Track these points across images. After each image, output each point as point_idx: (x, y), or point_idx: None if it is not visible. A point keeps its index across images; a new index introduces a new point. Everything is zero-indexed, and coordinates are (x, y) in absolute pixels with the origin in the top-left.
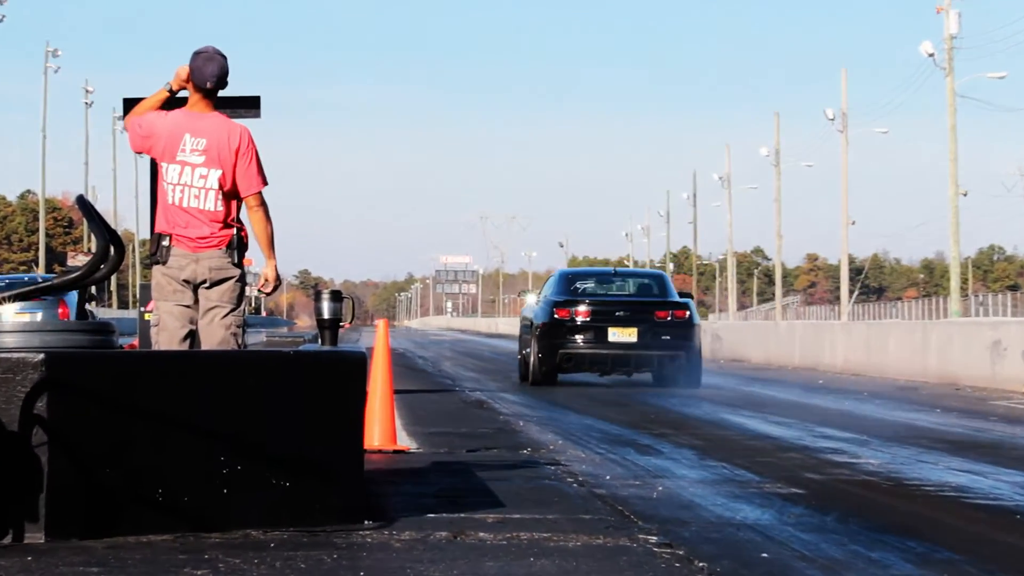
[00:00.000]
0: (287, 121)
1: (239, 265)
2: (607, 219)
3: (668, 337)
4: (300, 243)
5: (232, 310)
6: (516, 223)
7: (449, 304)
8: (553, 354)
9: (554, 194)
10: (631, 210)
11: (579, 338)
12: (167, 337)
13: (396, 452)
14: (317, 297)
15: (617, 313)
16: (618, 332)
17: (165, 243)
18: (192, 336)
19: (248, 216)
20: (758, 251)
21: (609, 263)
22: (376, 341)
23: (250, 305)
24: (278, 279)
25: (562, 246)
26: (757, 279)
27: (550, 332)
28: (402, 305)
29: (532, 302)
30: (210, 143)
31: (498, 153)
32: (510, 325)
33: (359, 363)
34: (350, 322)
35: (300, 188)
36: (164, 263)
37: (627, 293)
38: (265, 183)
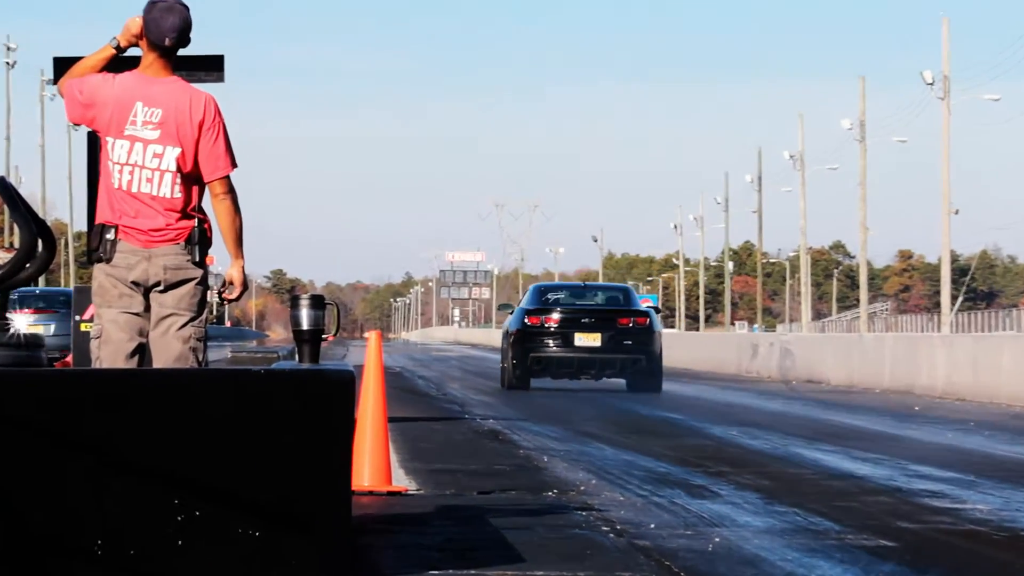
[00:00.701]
0: (254, 87)
1: (201, 264)
2: (650, 209)
3: (630, 342)
4: (272, 238)
5: (192, 319)
6: (538, 213)
7: (456, 312)
8: (525, 358)
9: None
10: (680, 198)
11: (549, 342)
12: (111, 352)
13: (391, 494)
14: (294, 303)
15: (583, 320)
16: (584, 337)
17: (110, 236)
18: (142, 351)
19: (212, 205)
20: (838, 247)
21: (653, 262)
22: (367, 358)
23: (212, 313)
24: (246, 282)
25: (596, 240)
26: (837, 281)
27: (522, 338)
28: (398, 313)
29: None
30: (167, 114)
31: (515, 130)
32: None
33: (346, 385)
34: (335, 334)
35: (272, 170)
36: (108, 261)
37: (594, 303)
38: (234, 165)
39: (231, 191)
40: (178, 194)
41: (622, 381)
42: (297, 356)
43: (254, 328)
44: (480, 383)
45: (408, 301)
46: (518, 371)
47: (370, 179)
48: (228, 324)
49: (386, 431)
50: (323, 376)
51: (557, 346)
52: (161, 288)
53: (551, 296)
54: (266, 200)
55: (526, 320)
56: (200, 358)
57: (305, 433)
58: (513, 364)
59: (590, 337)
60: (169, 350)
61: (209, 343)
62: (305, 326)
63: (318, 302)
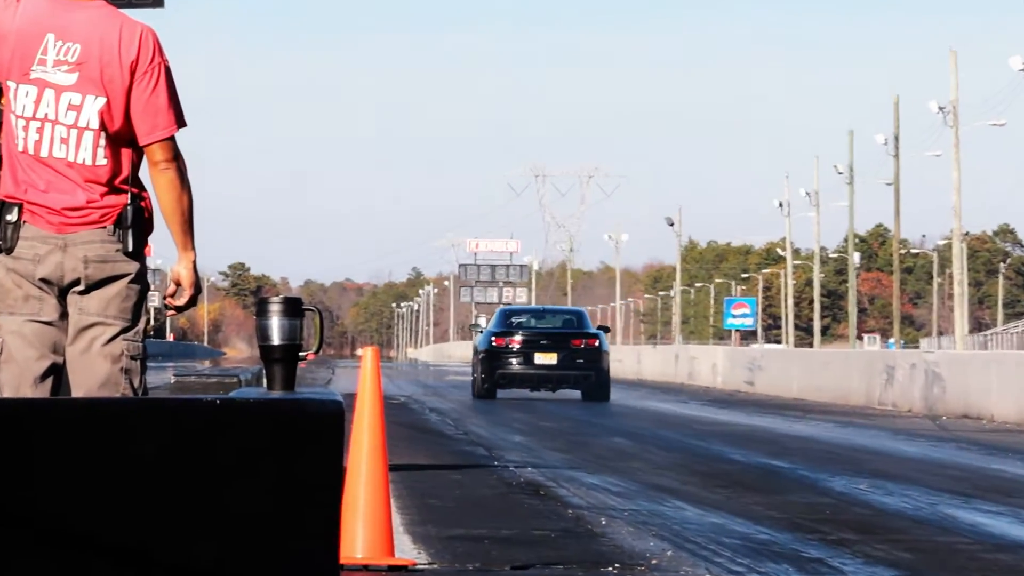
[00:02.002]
0: (205, 15)
1: (136, 255)
2: (742, 185)
3: (581, 360)
4: (231, 222)
5: (124, 330)
6: (594, 186)
7: (482, 321)
8: (492, 374)
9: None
10: (784, 169)
11: (512, 361)
12: (13, 375)
13: (394, 570)
14: (261, 310)
15: (542, 342)
16: (542, 356)
17: (11, 218)
18: (56, 373)
19: (151, 178)
20: (1005, 232)
21: (750, 253)
22: (360, 383)
23: (150, 323)
24: (198, 283)
25: (672, 224)
26: (1004, 279)
27: (489, 357)
28: (403, 323)
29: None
30: (88, 51)
31: (562, 83)
32: None
33: (331, 420)
34: (316, 351)
35: (230, 131)
36: (9, 252)
37: (552, 326)
38: (180, 124)
39: (176, 159)
40: (103, 160)
41: (577, 393)
42: (265, 381)
43: (206, 343)
44: (515, 418)
45: (416, 307)
46: (486, 384)
47: (364, 142)
48: (171, 338)
49: (386, 483)
50: (300, 408)
51: (519, 364)
52: (81, 288)
53: (515, 320)
54: (224, 172)
55: (492, 341)
56: (136, 383)
57: (275, 486)
58: (482, 378)
59: (548, 356)
60: (93, 372)
61: (148, 363)
62: (276, 340)
63: (293, 308)
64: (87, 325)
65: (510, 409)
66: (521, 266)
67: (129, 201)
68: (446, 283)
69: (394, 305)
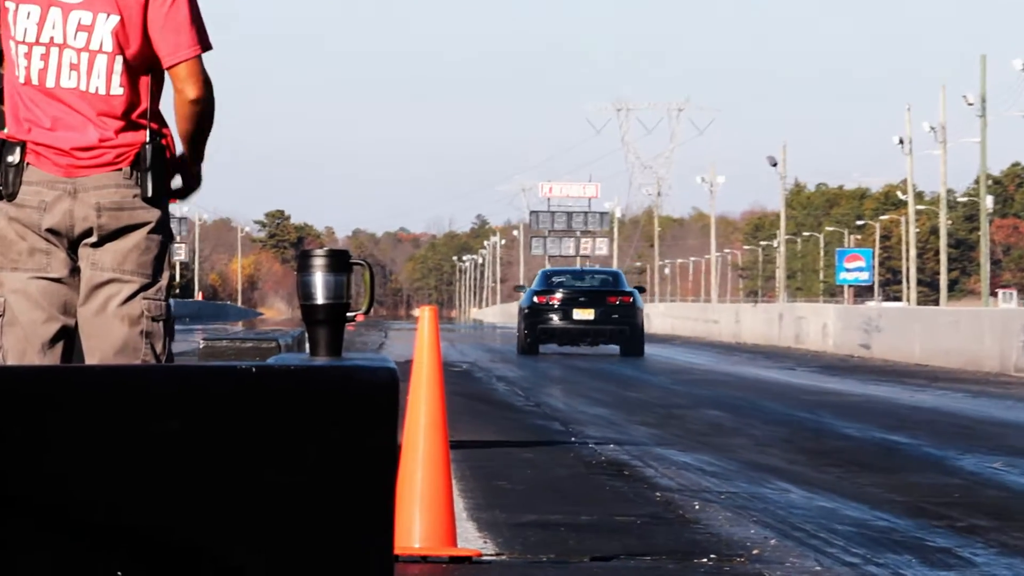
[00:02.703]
0: None
1: (156, 202)
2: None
3: (617, 316)
4: (267, 163)
5: (144, 287)
6: (684, 120)
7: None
8: (534, 329)
9: (757, 75)
10: (905, 100)
11: (552, 316)
12: (18, 339)
13: (456, 561)
14: (303, 264)
15: (580, 299)
16: (580, 312)
17: (12, 159)
18: (67, 337)
19: (175, 104)
20: None
21: (865, 197)
22: (417, 348)
23: (176, 280)
24: (199, 176)
25: (775, 165)
26: None
27: (532, 313)
28: (465, 279)
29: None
30: None
31: (645, 7)
32: (681, 314)
33: (384, 390)
34: (367, 311)
35: (267, 63)
36: (11, 198)
37: (589, 285)
38: (206, 45)
39: (205, 84)
40: (119, 89)
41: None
42: (308, 346)
43: (239, 303)
44: (595, 387)
45: (480, 260)
46: (529, 339)
47: (421, 73)
48: (199, 296)
49: (447, 463)
50: (348, 377)
51: (559, 319)
52: (94, 239)
53: (555, 279)
54: (259, 105)
55: (535, 299)
56: (160, 348)
57: (319, 467)
58: (525, 334)
59: (585, 312)
60: (109, 335)
61: (174, 326)
62: (320, 299)
63: (340, 262)
64: (101, 282)
65: (589, 378)
66: (601, 213)
67: (148, 139)
68: (515, 233)
69: (455, 259)
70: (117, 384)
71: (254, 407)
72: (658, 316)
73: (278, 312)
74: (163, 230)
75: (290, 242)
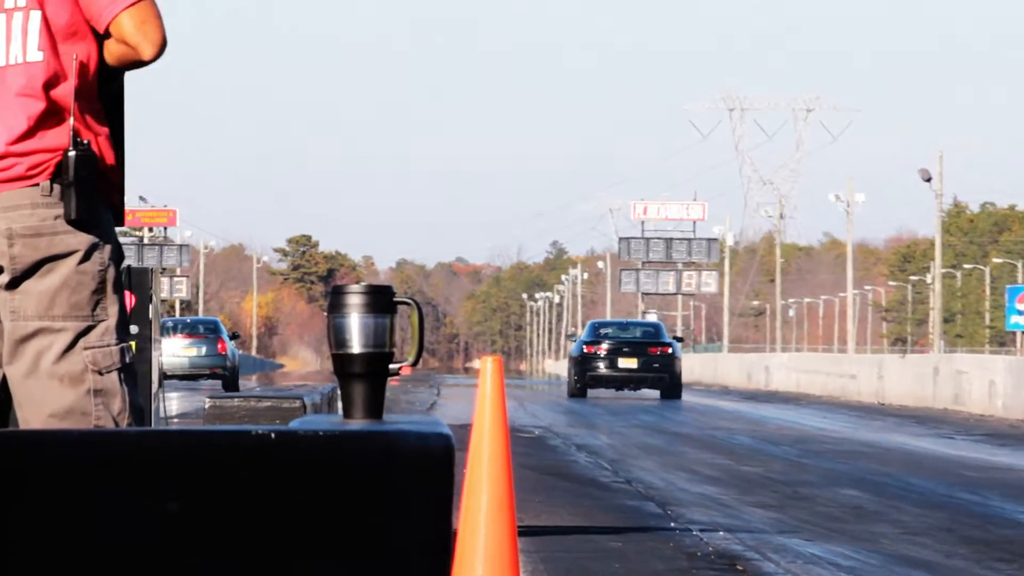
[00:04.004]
0: None
1: (87, 223)
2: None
3: (657, 364)
4: (292, 179)
5: (83, 333)
6: (814, 122)
7: (653, 319)
8: (583, 375)
9: (904, 68)
10: None
11: (599, 365)
12: None
13: None
14: (336, 302)
15: (624, 349)
16: (624, 360)
17: None
18: None
19: (110, 52)
20: None
21: None
22: (478, 409)
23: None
24: None
25: (929, 180)
26: None
27: (581, 361)
28: (538, 322)
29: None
30: None
31: None
32: (809, 366)
33: (436, 463)
34: (414, 363)
35: (296, 69)
36: None
37: (633, 336)
38: None
39: (162, 39)
40: (37, 54)
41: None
42: (341, 405)
43: (254, 351)
44: (700, 459)
45: (557, 299)
46: (578, 384)
47: (480, 68)
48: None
49: (515, 553)
50: (391, 445)
51: (606, 367)
52: (6, 279)
53: (603, 331)
54: (278, 111)
55: (584, 348)
56: (119, 407)
57: (355, 559)
58: (575, 380)
59: (629, 361)
60: (46, 401)
61: (168, 381)
62: (356, 347)
63: (382, 300)
64: (26, 335)
65: (692, 447)
66: (709, 240)
67: (71, 144)
68: (600, 265)
69: (525, 297)
70: (97, 454)
71: (273, 483)
72: (779, 369)
73: (303, 363)
74: (97, 254)
75: (318, 275)
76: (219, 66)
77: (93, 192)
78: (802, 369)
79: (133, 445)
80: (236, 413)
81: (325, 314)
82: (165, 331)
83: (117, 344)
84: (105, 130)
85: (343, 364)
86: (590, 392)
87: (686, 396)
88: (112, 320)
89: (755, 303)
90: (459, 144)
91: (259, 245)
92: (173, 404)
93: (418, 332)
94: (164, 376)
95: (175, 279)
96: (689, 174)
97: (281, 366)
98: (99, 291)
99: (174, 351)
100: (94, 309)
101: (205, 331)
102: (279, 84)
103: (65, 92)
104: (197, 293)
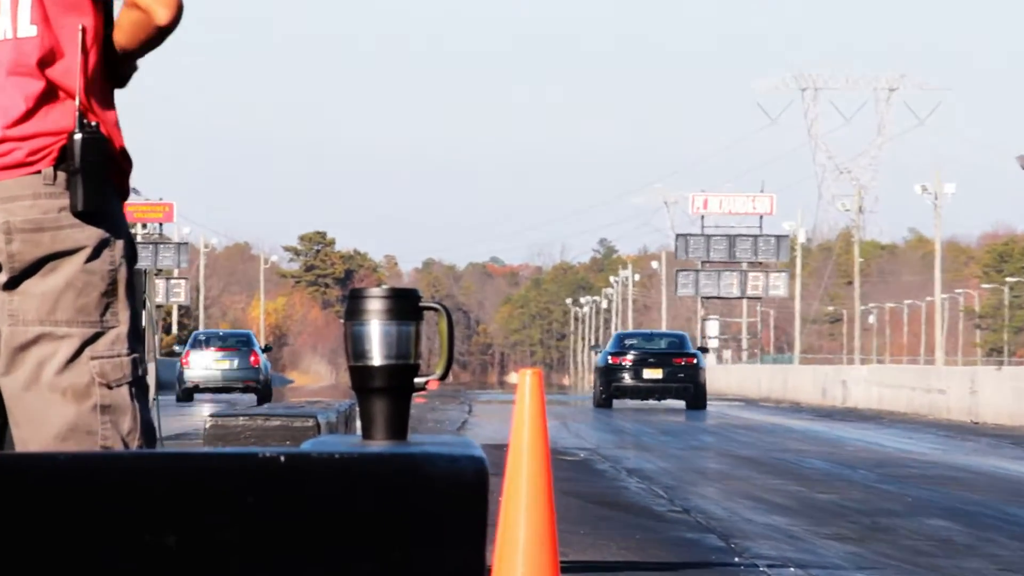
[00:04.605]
0: None
1: (96, 216)
2: None
3: (682, 375)
4: (306, 172)
5: (90, 340)
6: (897, 104)
7: (714, 327)
8: (608, 386)
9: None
10: None
11: (625, 375)
12: None
13: None
14: (354, 308)
15: (649, 360)
16: (649, 371)
17: None
18: None
19: (120, 21)
20: None
21: None
22: (515, 429)
23: (172, 330)
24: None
25: None
26: None
27: (607, 372)
28: (584, 330)
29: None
30: None
31: None
32: (892, 380)
33: (468, 489)
34: (443, 376)
35: (311, 53)
36: None
37: (658, 347)
38: None
39: (178, 2)
40: (30, 30)
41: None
42: (360, 424)
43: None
44: (768, 485)
45: (605, 303)
46: (604, 395)
47: (517, 44)
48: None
49: None
50: (417, 469)
51: (631, 378)
52: (5, 278)
53: (627, 342)
54: (291, 95)
55: (609, 359)
56: (128, 426)
57: None
58: (600, 390)
59: (654, 371)
60: (48, 417)
61: (201, 394)
62: (377, 359)
63: (406, 306)
64: (26, 342)
65: (759, 471)
66: (778, 237)
67: (77, 126)
68: (654, 265)
69: (569, 301)
70: (85, 478)
71: (282, 513)
72: (858, 383)
73: (317, 377)
74: (108, 252)
75: (335, 277)
76: (221, 43)
77: (103, 180)
78: (884, 383)
79: (126, 470)
80: (241, 433)
81: (342, 321)
82: (197, 344)
83: (128, 355)
84: (113, 113)
85: (362, 378)
86: (616, 403)
87: (751, 414)
88: (124, 327)
89: (830, 308)
90: (494, 131)
91: (267, 244)
92: (199, 418)
93: (447, 342)
94: (197, 389)
95: (172, 282)
96: (756, 163)
97: (291, 381)
98: (109, 293)
99: (207, 364)
100: (103, 314)
101: (238, 344)
102: (291, 64)
103: (66, 69)
104: (197, 298)
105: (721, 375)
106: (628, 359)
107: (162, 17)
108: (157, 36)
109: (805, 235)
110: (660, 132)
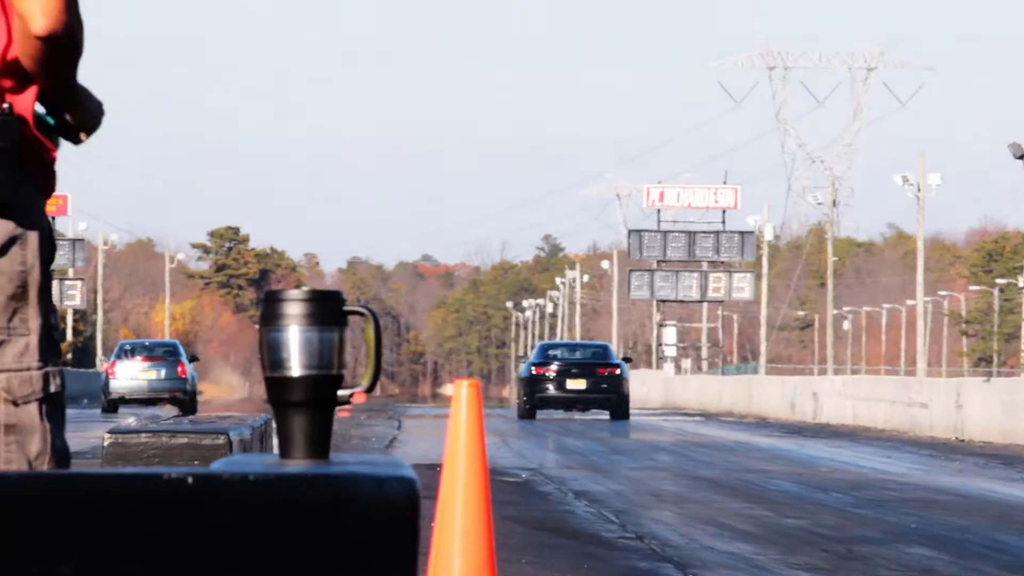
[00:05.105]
0: None
1: (20, 204)
2: None
3: (605, 386)
4: (216, 163)
5: (31, 356)
6: (875, 84)
7: (671, 334)
8: (532, 396)
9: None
10: None
11: (549, 386)
12: None
13: None
14: (270, 312)
15: (573, 370)
16: (573, 382)
17: None
18: None
19: (25, 55)
20: None
21: None
22: (449, 446)
23: (66, 337)
24: (94, 115)
25: (1022, 156)
26: None
27: (530, 382)
28: (524, 337)
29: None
30: None
31: None
32: (869, 393)
33: (396, 514)
34: (369, 389)
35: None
36: None
37: (582, 358)
38: None
39: (64, 5)
40: None
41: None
42: (276, 442)
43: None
44: (731, 509)
45: (551, 307)
46: (528, 406)
47: (452, 25)
48: (103, 365)
49: None
50: (340, 491)
51: (555, 389)
52: None
53: (551, 352)
54: (201, 77)
55: (533, 370)
56: (38, 448)
57: None
58: (524, 401)
59: (577, 382)
60: None
61: (127, 406)
62: (296, 369)
63: (329, 309)
64: None
65: (721, 494)
66: (743, 233)
67: (6, 114)
68: (604, 265)
69: (510, 305)
70: None
71: (190, 540)
72: (831, 396)
73: (229, 389)
74: (24, 249)
75: (248, 278)
76: (121, 26)
77: (15, 167)
78: (860, 396)
79: (10, 493)
80: (143, 452)
81: (256, 327)
82: (123, 354)
83: (39, 368)
84: (31, 95)
85: (279, 390)
86: (540, 414)
87: (712, 430)
88: (34, 336)
89: (800, 313)
90: (427, 117)
91: (173, 240)
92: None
93: (374, 350)
94: (123, 400)
95: (66, 283)
96: (718, 151)
97: (200, 392)
98: (18, 297)
99: (133, 375)
100: (10, 320)
101: (164, 354)
102: (200, 47)
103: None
104: (95, 300)
105: (679, 386)
106: (552, 370)
107: (39, 26)
108: (43, 50)
109: (773, 231)
110: (611, 116)
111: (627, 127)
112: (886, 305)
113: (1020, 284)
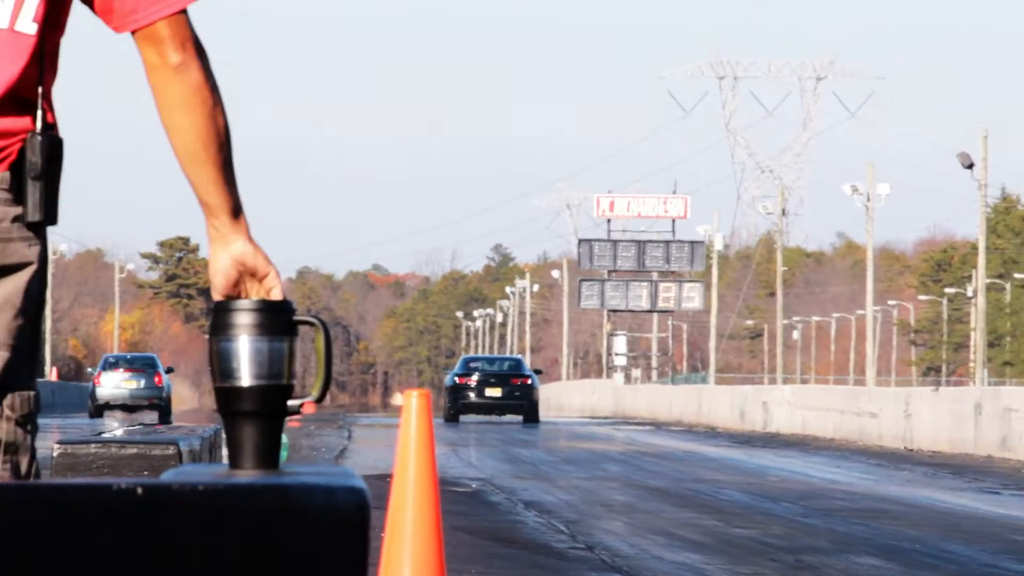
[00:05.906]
0: None
1: (38, 232)
2: None
3: (518, 394)
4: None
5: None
6: (825, 93)
7: (621, 343)
8: (456, 403)
9: (937, 30)
10: None
11: (470, 394)
12: None
13: None
14: (220, 322)
15: (491, 380)
16: (491, 390)
17: None
18: None
19: (157, 84)
20: None
21: None
22: (399, 456)
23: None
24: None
25: (971, 167)
26: None
27: (454, 390)
28: (474, 347)
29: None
30: None
31: None
32: (819, 403)
33: (345, 524)
34: (319, 399)
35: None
36: None
37: (498, 369)
38: None
39: (198, 50)
40: (29, 25)
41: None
42: (226, 452)
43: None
44: (681, 519)
45: (500, 317)
46: (452, 411)
47: (403, 35)
48: (53, 375)
49: None
50: (290, 501)
51: (475, 396)
52: None
53: (472, 365)
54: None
55: (456, 380)
56: (27, 466)
57: None
58: (448, 407)
59: (494, 390)
60: None
61: (110, 411)
62: (246, 379)
63: (278, 319)
64: None
65: (671, 504)
66: (692, 243)
67: (40, 126)
68: (555, 274)
69: (460, 315)
70: None
71: (139, 551)
72: (781, 406)
73: (179, 399)
74: (45, 273)
75: (199, 288)
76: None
77: (56, 190)
78: (809, 406)
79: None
80: (93, 463)
81: (206, 337)
82: (108, 366)
83: (34, 388)
84: (50, 109)
85: (229, 400)
86: (462, 418)
87: (661, 439)
88: (35, 361)
89: (750, 323)
90: (377, 124)
91: (123, 250)
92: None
93: (324, 359)
94: (107, 406)
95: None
96: (668, 161)
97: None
98: (36, 318)
99: (116, 384)
100: (29, 340)
101: (143, 366)
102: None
103: (33, 75)
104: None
105: (629, 396)
106: (473, 379)
107: (167, 44)
108: (207, 101)
109: (722, 241)
110: (561, 126)
111: (577, 137)
112: (835, 315)
113: (968, 294)
